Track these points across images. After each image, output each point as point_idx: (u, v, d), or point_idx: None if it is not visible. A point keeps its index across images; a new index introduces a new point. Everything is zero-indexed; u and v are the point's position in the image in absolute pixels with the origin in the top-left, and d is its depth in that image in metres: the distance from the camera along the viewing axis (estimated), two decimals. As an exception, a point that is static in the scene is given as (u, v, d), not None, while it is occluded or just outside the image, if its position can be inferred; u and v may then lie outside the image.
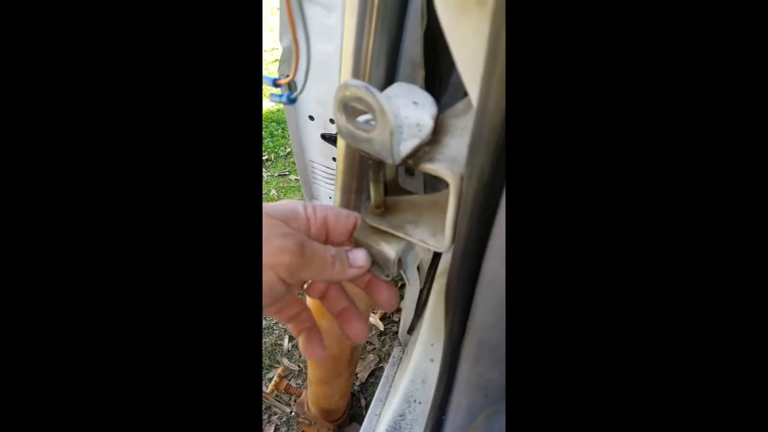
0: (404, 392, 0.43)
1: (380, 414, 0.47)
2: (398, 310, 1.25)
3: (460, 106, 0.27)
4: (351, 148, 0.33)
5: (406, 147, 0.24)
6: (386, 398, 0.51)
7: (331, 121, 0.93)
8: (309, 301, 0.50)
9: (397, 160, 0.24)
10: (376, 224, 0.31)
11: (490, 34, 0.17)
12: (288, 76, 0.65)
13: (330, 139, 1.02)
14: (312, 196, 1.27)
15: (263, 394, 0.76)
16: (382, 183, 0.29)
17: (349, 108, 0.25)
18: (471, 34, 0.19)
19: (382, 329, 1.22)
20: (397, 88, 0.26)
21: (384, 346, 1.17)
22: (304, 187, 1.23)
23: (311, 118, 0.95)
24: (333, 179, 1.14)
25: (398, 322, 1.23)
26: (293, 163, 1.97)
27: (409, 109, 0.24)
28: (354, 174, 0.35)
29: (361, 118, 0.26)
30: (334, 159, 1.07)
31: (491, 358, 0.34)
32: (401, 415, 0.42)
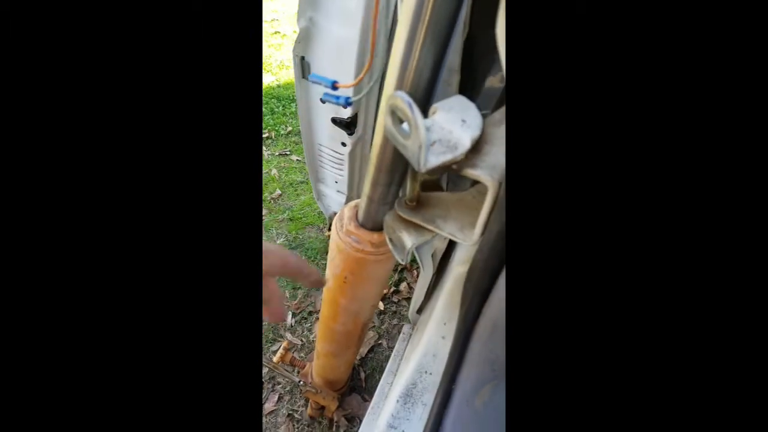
0: (416, 364, 0.48)
1: (392, 383, 0.52)
2: (397, 292, 1.31)
3: (497, 115, 0.30)
4: (385, 147, 0.36)
5: (436, 160, 0.27)
6: (397, 370, 0.56)
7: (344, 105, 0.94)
8: (330, 281, 0.54)
9: (423, 170, 0.27)
10: (408, 217, 0.35)
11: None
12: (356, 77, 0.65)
13: (340, 123, 1.03)
14: (317, 179, 1.29)
15: (271, 364, 0.81)
16: (419, 182, 0.32)
17: (395, 114, 0.28)
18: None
19: (381, 308, 1.28)
20: (455, 102, 0.28)
21: (383, 324, 1.23)
22: (310, 169, 1.25)
23: (323, 101, 0.96)
24: (340, 163, 1.16)
25: (396, 303, 1.29)
26: (294, 142, 1.96)
27: (455, 126, 0.27)
28: (386, 170, 0.38)
29: (405, 125, 0.29)
30: (343, 144, 1.08)
31: (503, 337, 0.38)
32: (413, 384, 0.47)
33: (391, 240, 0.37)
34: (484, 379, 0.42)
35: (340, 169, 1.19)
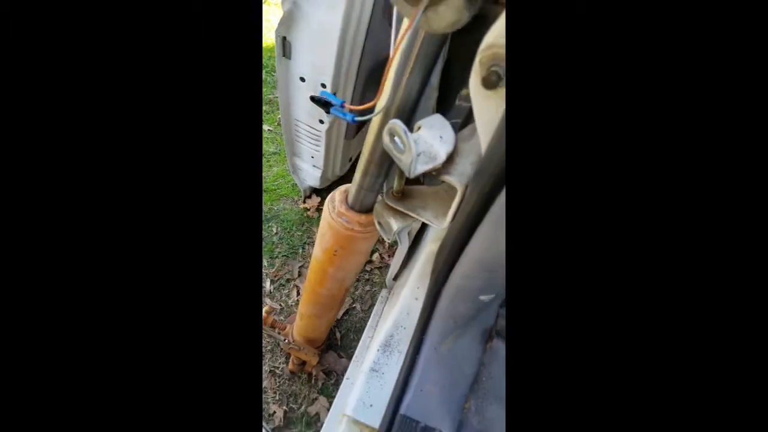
0: (393, 320, 0.59)
1: (372, 337, 0.63)
2: (370, 262, 1.42)
3: (466, 132, 0.39)
4: (375, 147, 0.44)
5: (421, 168, 0.36)
6: (377, 326, 0.67)
7: (323, 85, 0.98)
8: (319, 254, 0.62)
9: (412, 176, 0.36)
10: (395, 206, 0.44)
11: (504, 110, 0.29)
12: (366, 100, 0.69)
13: (318, 101, 1.07)
14: (293, 153, 1.33)
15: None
16: (404, 179, 0.41)
17: (392, 135, 0.36)
18: (491, 106, 0.30)
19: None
20: (435, 120, 0.37)
21: (357, 291, 1.35)
22: (287, 144, 1.28)
23: (302, 79, 0.99)
24: (317, 140, 1.20)
25: (369, 272, 1.40)
26: (266, 111, 1.93)
27: (435, 141, 0.36)
28: (375, 164, 0.46)
29: (398, 140, 0.37)
30: (321, 121, 1.13)
31: (464, 298, 0.49)
32: (391, 336, 0.58)
33: (379, 223, 0.46)
34: (449, 330, 0.54)
35: (317, 145, 1.24)
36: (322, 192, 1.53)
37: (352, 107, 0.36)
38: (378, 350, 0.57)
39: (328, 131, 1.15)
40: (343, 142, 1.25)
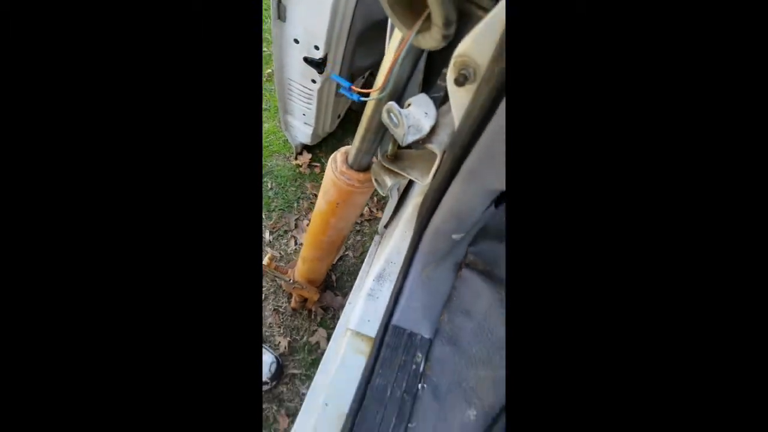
0: (385, 257, 0.74)
1: (368, 271, 0.78)
2: (362, 215, 1.55)
3: (444, 108, 0.50)
4: (373, 118, 0.55)
5: (411, 138, 0.47)
6: (372, 263, 0.82)
7: (316, 47, 1.03)
8: (322, 202, 0.74)
9: (403, 145, 0.47)
10: (389, 166, 0.56)
11: (470, 101, 0.40)
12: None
13: (311, 62, 1.12)
14: (286, 111, 1.39)
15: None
16: (397, 146, 0.52)
17: (389, 113, 0.47)
18: (460, 96, 0.42)
19: (345, 226, 1.53)
20: (422, 99, 0.47)
21: (349, 240, 1.49)
22: (280, 102, 1.34)
23: (296, 41, 1.04)
24: (309, 98, 1.27)
25: (359, 223, 1.54)
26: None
27: (422, 116, 0.47)
28: (372, 131, 0.57)
29: (393, 117, 0.48)
30: (313, 81, 1.18)
31: (440, 238, 0.64)
32: (383, 269, 0.73)
33: (377, 180, 0.58)
34: (429, 262, 0.69)
35: (309, 104, 1.30)
36: (312, 149, 1.61)
37: (358, 90, 0.46)
38: (374, 280, 0.72)
39: (320, 90, 1.21)
40: (333, 100, 1.32)
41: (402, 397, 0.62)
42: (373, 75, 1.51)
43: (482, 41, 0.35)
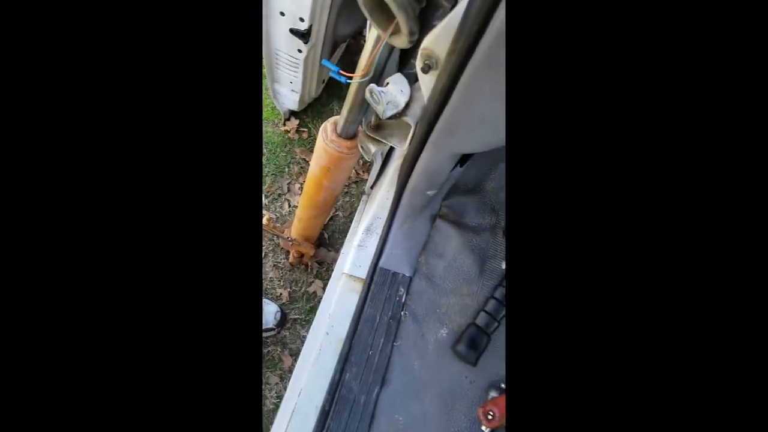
0: (372, 214, 0.87)
1: (358, 225, 0.92)
2: (349, 178, 1.65)
3: (416, 85, 0.61)
4: (357, 93, 0.65)
5: (389, 113, 0.58)
6: (360, 219, 0.96)
7: (301, 19, 1.08)
8: (315, 167, 0.86)
9: (383, 118, 0.58)
10: (373, 135, 0.67)
11: (433, 85, 0.51)
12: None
13: (297, 33, 1.17)
14: (274, 80, 1.44)
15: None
16: (378, 118, 0.63)
17: (371, 93, 0.57)
18: (427, 81, 0.52)
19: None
20: (398, 78, 0.58)
21: (338, 202, 1.61)
22: (268, 72, 1.40)
23: (282, 14, 1.09)
24: (295, 66, 1.33)
25: (347, 186, 1.65)
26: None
27: (398, 93, 0.58)
28: (357, 105, 0.68)
29: (374, 96, 0.59)
30: (299, 50, 1.24)
31: (417, 194, 0.76)
32: (371, 224, 0.87)
33: (362, 147, 0.69)
34: (407, 215, 0.82)
35: (295, 72, 1.36)
36: (299, 114, 1.68)
37: (346, 74, 0.56)
38: (363, 233, 0.86)
39: (306, 59, 1.27)
40: (318, 68, 1.38)
41: (388, 323, 0.78)
42: (355, 39, 1.55)
43: (441, 39, 0.46)
